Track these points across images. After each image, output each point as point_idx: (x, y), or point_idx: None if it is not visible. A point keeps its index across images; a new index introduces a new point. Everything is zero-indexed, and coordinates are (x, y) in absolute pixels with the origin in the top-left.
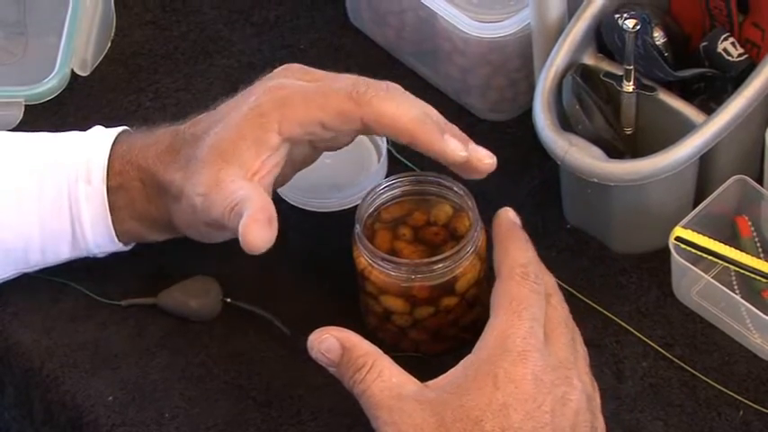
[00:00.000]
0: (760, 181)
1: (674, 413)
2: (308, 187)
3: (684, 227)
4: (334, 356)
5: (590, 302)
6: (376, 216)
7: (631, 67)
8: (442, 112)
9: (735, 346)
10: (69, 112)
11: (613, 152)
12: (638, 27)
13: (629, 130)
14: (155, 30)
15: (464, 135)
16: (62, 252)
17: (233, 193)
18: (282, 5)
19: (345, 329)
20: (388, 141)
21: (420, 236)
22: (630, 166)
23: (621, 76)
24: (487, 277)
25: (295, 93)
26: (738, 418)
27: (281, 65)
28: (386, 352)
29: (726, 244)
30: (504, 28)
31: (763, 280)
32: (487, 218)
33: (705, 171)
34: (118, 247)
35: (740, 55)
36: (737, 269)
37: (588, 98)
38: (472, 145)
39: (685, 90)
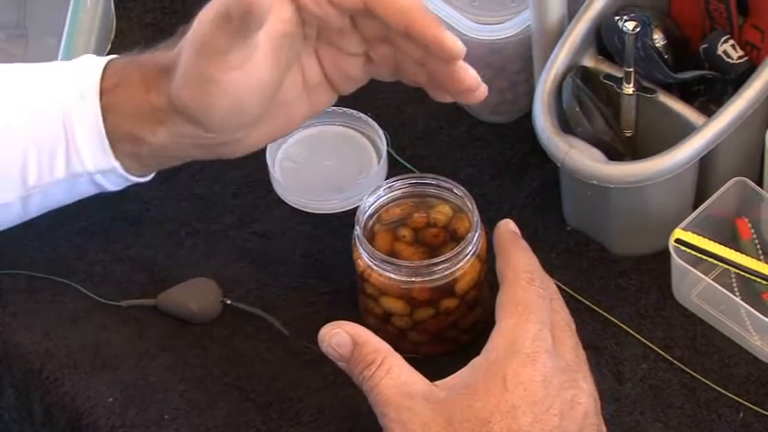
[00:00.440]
0: (760, 183)
1: (673, 415)
2: (307, 189)
3: (684, 229)
4: (345, 351)
5: (590, 304)
6: (376, 218)
7: (631, 69)
8: (441, 114)
9: (735, 348)
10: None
11: (613, 154)
12: (638, 29)
13: (628, 133)
14: (154, 31)
15: None
16: (57, 169)
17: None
18: None
19: (357, 325)
20: (388, 143)
21: (420, 237)
22: (630, 168)
23: (621, 78)
24: (488, 279)
25: None
26: (738, 420)
27: None
28: None
29: (726, 246)
30: (504, 30)
31: (763, 282)
32: (487, 219)
33: (705, 173)
34: (113, 164)
35: (740, 57)
36: (737, 271)
37: (588, 100)
38: None
39: (685, 92)
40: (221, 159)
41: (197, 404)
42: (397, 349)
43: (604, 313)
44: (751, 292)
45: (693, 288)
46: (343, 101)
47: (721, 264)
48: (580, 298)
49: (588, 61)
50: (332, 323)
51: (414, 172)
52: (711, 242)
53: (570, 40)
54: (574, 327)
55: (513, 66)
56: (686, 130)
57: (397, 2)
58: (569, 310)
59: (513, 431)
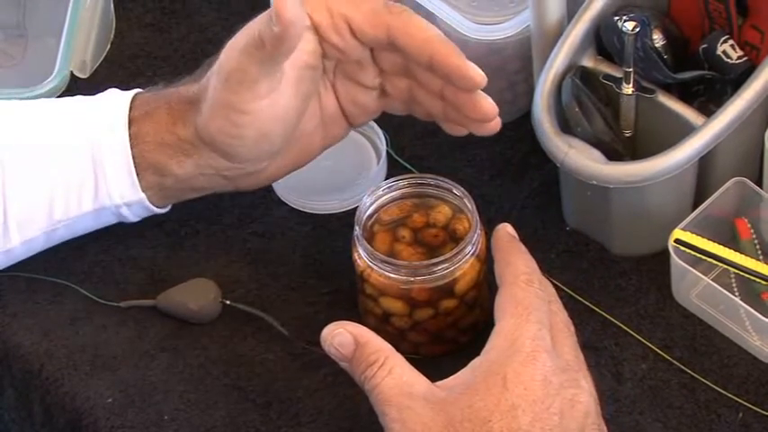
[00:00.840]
0: (759, 183)
1: (673, 415)
2: (307, 189)
3: (684, 229)
4: (347, 351)
5: (589, 304)
6: (375, 218)
7: (631, 69)
8: None
9: (734, 349)
10: None
11: (613, 154)
12: (638, 29)
13: (628, 133)
14: (154, 32)
15: None
16: (85, 203)
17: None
18: None
19: (359, 325)
20: (387, 143)
21: (419, 238)
22: (630, 168)
23: (621, 78)
24: (487, 280)
25: None
26: (737, 420)
27: None
28: None
29: (725, 246)
30: (503, 30)
31: (763, 282)
32: (487, 219)
33: (704, 173)
34: (140, 195)
35: (739, 57)
36: (737, 271)
37: (587, 100)
38: None
39: (685, 92)
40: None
41: (196, 404)
42: (397, 350)
43: (604, 313)
44: (750, 292)
45: (693, 288)
46: None
47: (721, 264)
48: (580, 298)
49: (587, 61)
50: (334, 323)
51: (413, 172)
52: (711, 242)
53: (569, 40)
54: (573, 328)
55: (512, 66)
56: (686, 131)
57: (420, 32)
58: (569, 311)
59: (513, 430)
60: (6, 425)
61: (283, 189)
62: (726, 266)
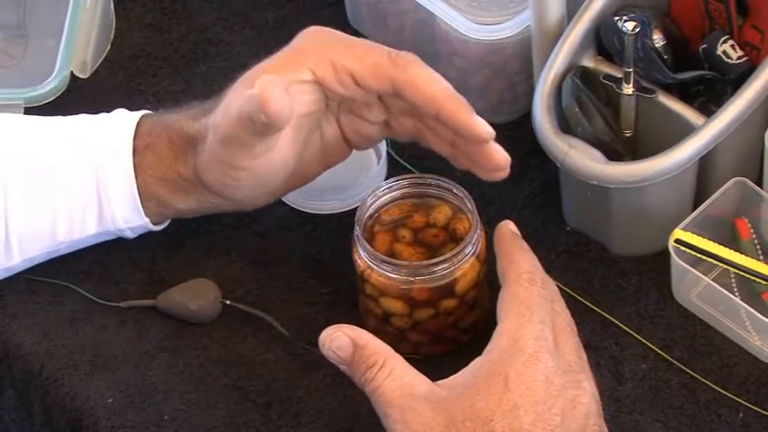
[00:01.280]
0: (759, 183)
1: (673, 415)
2: (307, 189)
3: (684, 229)
4: (346, 354)
5: (589, 304)
6: (376, 218)
7: (631, 69)
8: None
9: (734, 349)
10: (69, 114)
11: (613, 154)
12: (638, 29)
13: (628, 133)
14: (154, 32)
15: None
16: (89, 226)
17: (250, 88)
18: (282, 8)
19: (357, 328)
20: (387, 143)
21: (420, 238)
22: (630, 168)
23: (621, 78)
24: (487, 279)
25: (338, 39)
26: (738, 420)
27: None
28: None
29: (725, 246)
30: (503, 30)
31: (763, 282)
32: (487, 219)
33: (705, 173)
34: (143, 221)
35: (740, 57)
36: (737, 271)
37: (588, 100)
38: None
39: (685, 92)
40: None
41: (197, 404)
42: (396, 350)
43: (604, 313)
44: (751, 292)
45: (693, 288)
46: None
47: (721, 264)
48: (580, 298)
49: (588, 61)
50: (332, 327)
51: (413, 172)
52: (711, 242)
53: (570, 40)
54: (575, 328)
55: (512, 66)
56: (686, 131)
57: (426, 87)
58: (569, 311)
59: (514, 430)
60: (6, 425)
61: None
62: (726, 266)
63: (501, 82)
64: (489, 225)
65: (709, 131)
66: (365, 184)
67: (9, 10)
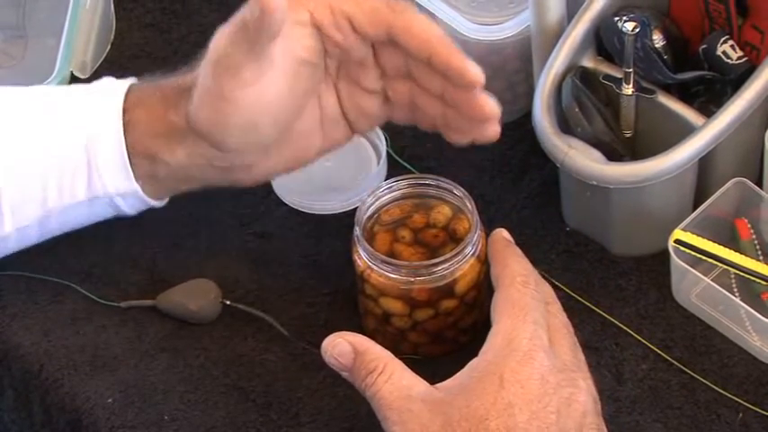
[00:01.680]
0: (759, 183)
1: (673, 415)
2: (307, 189)
3: (684, 229)
4: (347, 361)
5: (589, 305)
6: (375, 218)
7: (631, 69)
8: None
9: (734, 349)
10: None
11: (613, 155)
12: (638, 30)
13: (628, 133)
14: (154, 32)
15: None
16: (78, 190)
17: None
18: None
19: (357, 334)
20: (387, 143)
21: (419, 238)
22: (630, 168)
23: (621, 78)
24: (487, 280)
25: None
26: (737, 421)
27: None
28: None
29: (725, 246)
30: (503, 30)
31: (763, 282)
32: (487, 220)
33: (704, 174)
34: (133, 186)
35: (739, 58)
36: (737, 272)
37: (588, 101)
38: None
39: (685, 93)
40: (234, 186)
41: (197, 405)
42: (396, 350)
43: (604, 314)
44: (750, 292)
45: (693, 288)
46: None
47: (721, 264)
48: (580, 298)
49: (588, 62)
50: (333, 334)
51: (413, 172)
52: (711, 243)
53: (569, 40)
54: (572, 330)
55: (512, 66)
56: (686, 131)
57: (421, 32)
58: (569, 311)
59: (509, 428)
60: (6, 425)
61: (283, 189)
62: (726, 267)
63: (501, 82)
64: (489, 225)
65: (708, 132)
66: (365, 184)
67: (9, 10)
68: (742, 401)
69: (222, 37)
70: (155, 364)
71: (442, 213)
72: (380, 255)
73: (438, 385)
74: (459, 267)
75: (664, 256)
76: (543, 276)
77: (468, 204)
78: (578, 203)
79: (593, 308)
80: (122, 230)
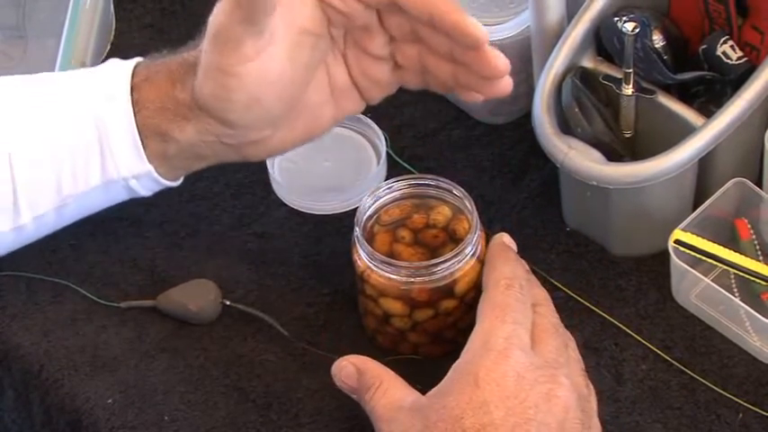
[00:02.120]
0: (759, 184)
1: (673, 416)
2: (307, 190)
3: (684, 230)
4: (353, 382)
5: (589, 305)
6: (375, 218)
7: (630, 70)
8: (440, 115)
9: (734, 349)
10: None
11: (613, 155)
12: (638, 30)
13: (628, 133)
14: (154, 33)
15: None
16: (92, 175)
17: None
18: None
19: (361, 356)
20: (387, 144)
21: (419, 238)
22: (630, 168)
23: (621, 79)
24: None
25: None
26: (737, 421)
27: None
28: (385, 354)
29: (725, 247)
30: (502, 31)
31: (763, 283)
32: (487, 220)
33: (704, 174)
34: (147, 167)
35: (739, 58)
36: (737, 272)
37: (587, 101)
38: None
39: (684, 93)
40: (247, 161)
41: (197, 405)
42: (396, 350)
43: (604, 314)
44: (750, 292)
45: (693, 289)
46: None
47: (721, 264)
48: (579, 299)
49: (587, 62)
50: (342, 358)
51: (413, 173)
52: (711, 243)
53: (569, 40)
54: (563, 331)
55: (512, 66)
56: (685, 131)
57: None
58: (568, 311)
59: (484, 425)
60: (6, 426)
61: (283, 190)
62: (726, 267)
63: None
64: (489, 226)
65: (708, 132)
66: (365, 184)
67: (8, 10)
68: (742, 402)
69: (220, 12)
70: (155, 364)
71: (442, 214)
72: (380, 255)
73: (428, 393)
74: (459, 268)
75: (663, 256)
76: (543, 277)
77: (467, 205)
78: (578, 204)
79: (593, 308)
80: (122, 230)
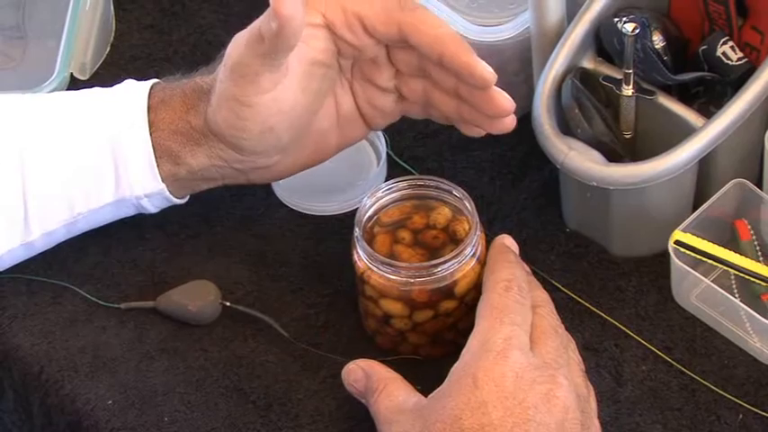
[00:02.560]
0: (759, 184)
1: (673, 417)
2: (307, 191)
3: (684, 230)
4: (361, 386)
5: (589, 306)
6: (375, 219)
7: (630, 70)
8: None
9: (734, 350)
10: None
11: (613, 156)
12: (638, 31)
13: (628, 134)
14: (154, 34)
15: None
16: (105, 193)
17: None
18: None
19: (371, 360)
20: (387, 145)
21: (419, 239)
22: (630, 169)
23: (621, 79)
24: None
25: None
26: (737, 422)
27: None
28: (385, 355)
29: (725, 247)
30: (502, 32)
31: (763, 283)
32: (487, 221)
33: (704, 175)
34: (159, 186)
35: (739, 59)
36: (737, 273)
37: (587, 102)
38: None
39: (684, 94)
40: (253, 184)
41: (197, 406)
42: (396, 351)
43: (604, 315)
44: (750, 293)
45: (693, 290)
46: None
47: (721, 265)
48: (579, 300)
49: (587, 63)
50: (351, 362)
51: (413, 174)
52: (711, 244)
53: (569, 41)
54: (563, 332)
55: (511, 67)
56: (685, 132)
57: (431, 30)
58: (569, 312)
59: (483, 425)
60: (6, 427)
61: (283, 191)
62: (726, 268)
63: (500, 83)
64: (489, 227)
65: (708, 133)
66: (365, 185)
67: (9, 11)
68: (742, 403)
69: (239, 45)
70: (155, 365)
71: (442, 215)
72: (380, 256)
73: (430, 395)
74: (459, 269)
75: (664, 257)
76: (543, 277)
77: (467, 206)
78: (578, 205)
79: (593, 309)
80: (122, 232)
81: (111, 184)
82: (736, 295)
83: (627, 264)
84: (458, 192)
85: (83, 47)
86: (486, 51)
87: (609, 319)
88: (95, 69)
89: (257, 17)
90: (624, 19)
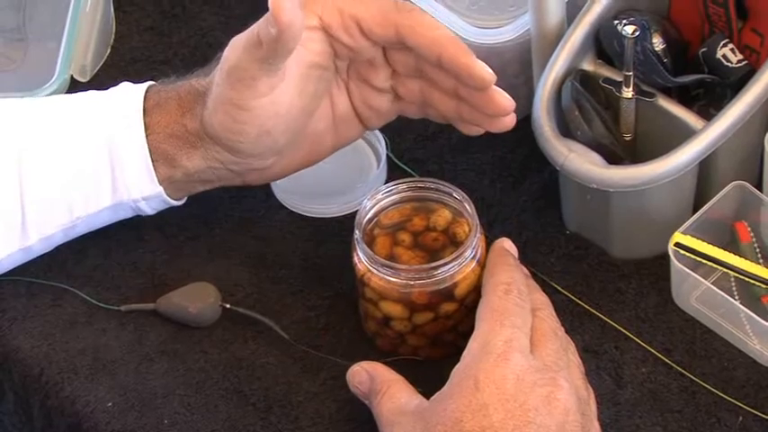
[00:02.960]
0: (759, 187)
1: (673, 419)
2: (307, 193)
3: (684, 233)
4: (365, 388)
5: (589, 308)
6: (375, 222)
7: (630, 73)
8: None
9: (734, 352)
10: None
11: (613, 158)
12: (638, 33)
13: (628, 136)
14: (154, 36)
15: None
16: (103, 197)
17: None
18: None
19: (375, 363)
20: (387, 147)
21: (419, 241)
22: (630, 171)
23: (621, 81)
24: None
25: None
26: (737, 424)
27: None
28: (385, 356)
29: (725, 250)
30: (502, 34)
31: (763, 286)
32: (487, 223)
33: (704, 177)
34: (157, 189)
35: (739, 61)
36: (737, 275)
37: (587, 104)
38: None
39: (684, 96)
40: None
41: (197, 408)
42: (396, 353)
43: (604, 317)
44: (750, 295)
45: (693, 292)
46: None
47: (721, 268)
48: (579, 302)
49: (587, 65)
50: (356, 364)
51: (413, 176)
52: (711, 246)
53: (569, 43)
54: (563, 335)
55: (511, 69)
56: (685, 134)
57: (429, 32)
58: (569, 314)
59: (484, 427)
60: (6, 429)
61: (283, 193)
62: (726, 270)
63: (500, 85)
64: (489, 229)
65: (708, 135)
66: (365, 187)
67: (9, 13)
68: (742, 405)
69: (237, 49)
70: (155, 367)
71: (442, 217)
72: (380, 258)
73: (432, 397)
74: (459, 271)
75: (664, 259)
76: (543, 280)
77: (467, 208)
78: (578, 207)
79: (593, 311)
80: (122, 234)
81: (108, 188)
82: (736, 297)
83: (627, 266)
84: (458, 194)
85: (83, 49)
86: (486, 53)
87: (609, 321)
88: (95, 71)
89: (256, 19)
90: (624, 21)
